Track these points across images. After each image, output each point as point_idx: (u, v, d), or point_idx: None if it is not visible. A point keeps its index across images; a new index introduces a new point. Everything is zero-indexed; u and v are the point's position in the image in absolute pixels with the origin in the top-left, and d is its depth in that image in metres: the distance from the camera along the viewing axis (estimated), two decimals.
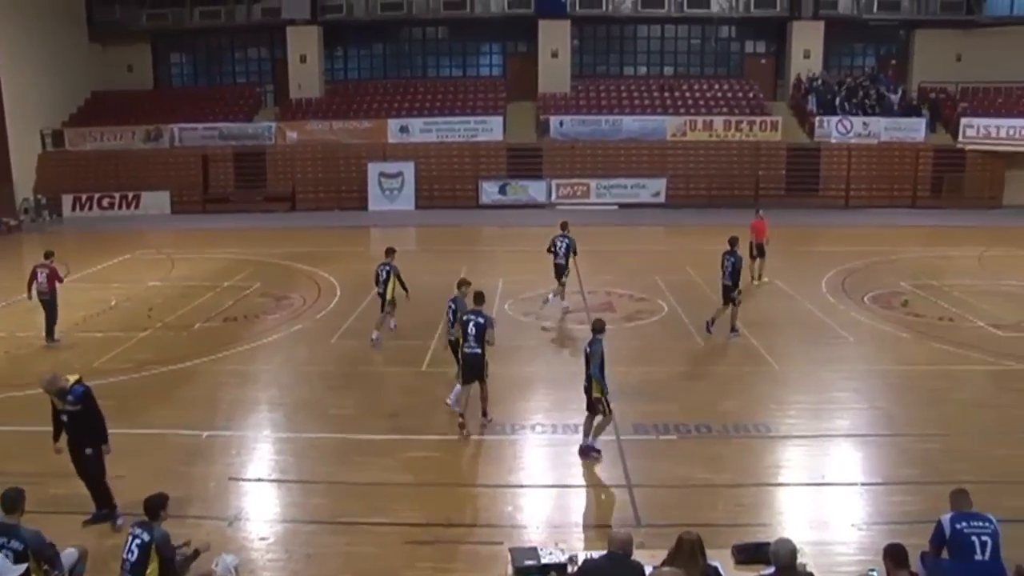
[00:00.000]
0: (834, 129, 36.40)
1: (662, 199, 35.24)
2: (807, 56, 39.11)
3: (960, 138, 36.21)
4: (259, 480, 11.06)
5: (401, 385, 14.47)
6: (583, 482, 10.90)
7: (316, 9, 38.28)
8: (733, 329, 17.01)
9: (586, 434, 11.51)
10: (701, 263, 23.35)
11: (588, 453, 11.43)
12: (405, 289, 16.57)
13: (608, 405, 11.28)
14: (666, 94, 38.75)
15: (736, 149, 36.16)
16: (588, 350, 11.33)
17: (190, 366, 15.55)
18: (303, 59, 38.59)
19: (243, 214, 34.00)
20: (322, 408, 13.42)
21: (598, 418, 11.39)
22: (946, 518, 7.42)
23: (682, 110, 37.51)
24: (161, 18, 39.28)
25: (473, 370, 12.29)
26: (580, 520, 10.04)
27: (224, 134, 36.35)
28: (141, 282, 22.50)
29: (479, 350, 12.27)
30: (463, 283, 13.92)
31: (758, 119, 36.63)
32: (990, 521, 7.33)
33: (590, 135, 36.12)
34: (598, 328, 11.43)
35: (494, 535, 9.53)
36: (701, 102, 38.32)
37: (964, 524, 7.30)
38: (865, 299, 20.25)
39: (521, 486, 10.80)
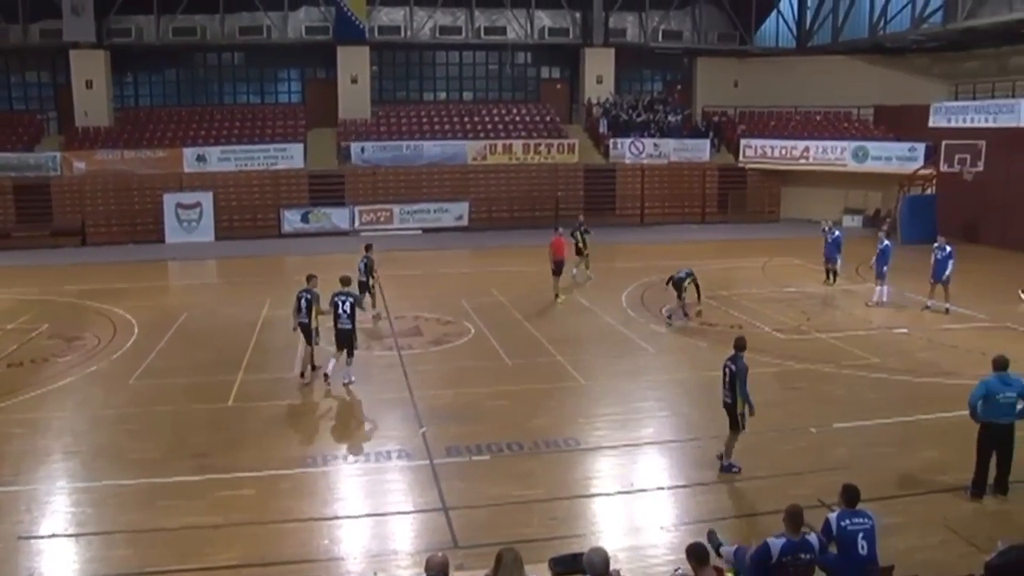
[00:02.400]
0: (627, 150, 38.15)
1: (465, 222, 35.69)
2: (600, 81, 40.88)
3: (741, 158, 38.89)
4: (54, 536, 10.25)
5: (207, 423, 13.86)
6: (399, 509, 10.83)
7: (102, 32, 36.22)
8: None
9: (727, 455, 11.70)
10: (505, 284, 23.86)
11: (730, 470, 11.59)
12: (321, 313, 15.79)
13: (745, 420, 11.48)
14: (466, 119, 39.36)
15: (536, 171, 37.17)
16: (732, 368, 11.47)
17: None
18: (89, 85, 36.43)
19: (27, 251, 31.56)
20: (122, 453, 12.64)
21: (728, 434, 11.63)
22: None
23: (482, 134, 38.21)
24: None
25: (345, 340, 15.18)
26: (398, 547, 9.96)
27: (1, 165, 33.69)
28: None
29: (350, 325, 15.15)
30: (311, 277, 15.82)
31: (555, 142, 37.84)
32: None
33: (392, 160, 36.12)
34: (740, 346, 11.66)
35: (311, 571, 9.31)
36: (500, 126, 39.17)
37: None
38: (663, 311, 21.27)
39: (336, 518, 10.60)
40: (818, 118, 40.35)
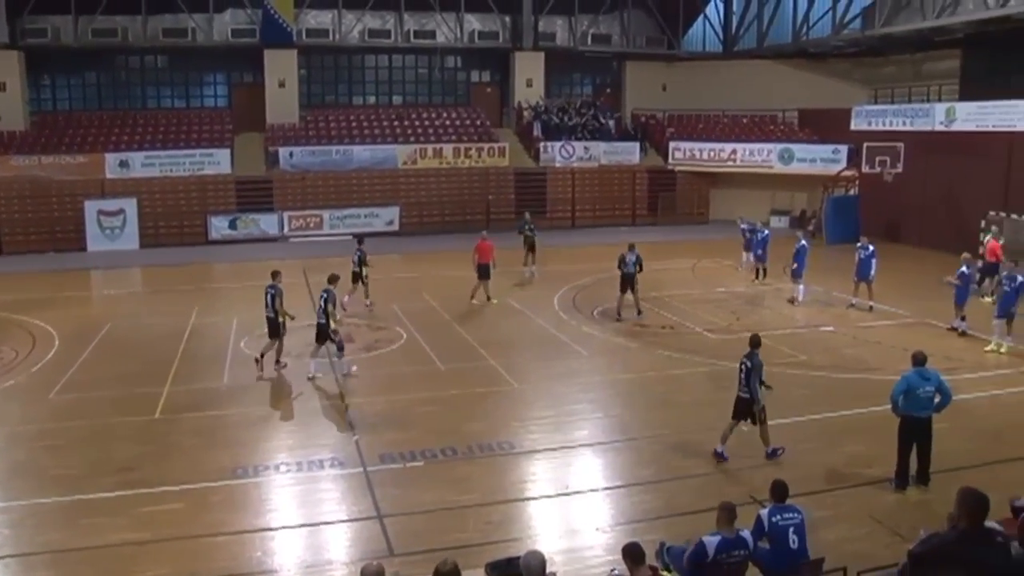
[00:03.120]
0: (558, 154, 38.36)
1: (396, 227, 35.47)
2: (530, 84, 41.03)
3: (670, 160, 39.42)
4: None
5: (133, 436, 13.47)
6: (333, 518, 10.69)
7: (16, 32, 35.13)
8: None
9: (766, 443, 12.23)
10: (437, 289, 23.78)
11: (775, 454, 12.16)
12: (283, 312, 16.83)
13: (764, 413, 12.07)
14: (396, 123, 39.15)
15: (466, 175, 37.14)
16: (748, 364, 11.92)
17: None
18: (2, 87, 35.32)
19: None
20: (41, 470, 12.22)
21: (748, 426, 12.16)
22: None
23: (412, 138, 38.08)
24: None
25: (320, 335, 16.27)
26: (332, 557, 9.84)
27: None
28: None
29: (324, 320, 16.11)
30: (276, 273, 16.97)
31: (486, 145, 37.86)
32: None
33: (321, 165, 35.74)
34: (756, 343, 12.18)
35: None
36: (431, 130, 39.06)
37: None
38: (595, 313, 21.44)
39: (269, 529, 10.42)
40: (745, 121, 41.14)
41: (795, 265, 22.48)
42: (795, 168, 36.80)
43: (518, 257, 26.20)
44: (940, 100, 33.42)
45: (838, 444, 12.69)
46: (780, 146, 37.45)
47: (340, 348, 16.47)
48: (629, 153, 39.29)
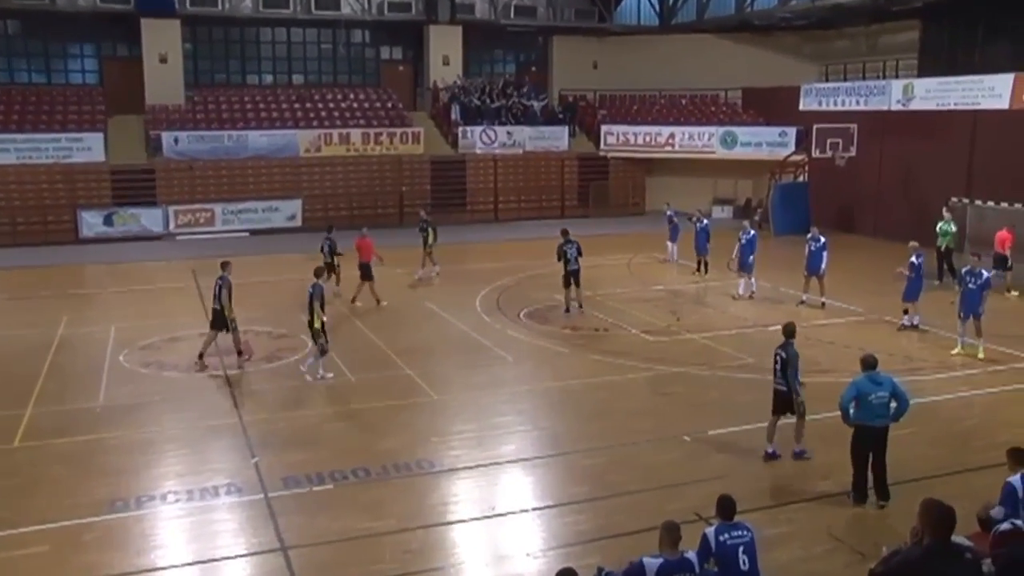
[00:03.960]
0: (478, 139, 38.41)
1: (298, 222, 35.11)
2: (446, 63, 40.99)
3: (602, 146, 39.82)
4: None
5: None
6: (230, 552, 10.46)
7: None
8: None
9: (798, 440, 12.68)
10: (346, 291, 23.54)
11: (802, 455, 12.68)
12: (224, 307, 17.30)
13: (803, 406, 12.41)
14: (296, 105, 38.71)
15: (377, 164, 36.96)
16: (783, 355, 12.36)
17: None
18: None
19: None
20: None
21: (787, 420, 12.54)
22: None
23: (315, 122, 37.71)
24: None
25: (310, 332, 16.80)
26: None
27: None
28: None
29: (309, 316, 16.48)
30: (225, 264, 17.71)
31: (398, 131, 37.70)
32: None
33: (211, 153, 35.13)
34: (790, 332, 12.64)
35: None
36: (336, 113, 38.73)
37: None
38: (521, 315, 21.48)
39: (154, 569, 10.13)
40: (683, 102, 41.78)
41: (741, 258, 22.97)
42: (739, 153, 37.51)
43: (441, 253, 26.15)
44: (897, 76, 34.39)
45: (790, 454, 12.91)
46: (722, 129, 38.13)
47: (323, 352, 16.65)
48: (557, 138, 39.57)
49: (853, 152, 30.37)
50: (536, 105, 40.74)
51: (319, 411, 15.12)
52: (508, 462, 12.96)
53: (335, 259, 23.19)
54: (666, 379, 16.67)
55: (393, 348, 18.58)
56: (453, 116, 39.24)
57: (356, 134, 37.01)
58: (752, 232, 23.19)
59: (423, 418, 14.79)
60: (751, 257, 22.92)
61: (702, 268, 25.67)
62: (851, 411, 11.09)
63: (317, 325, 16.41)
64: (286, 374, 17.22)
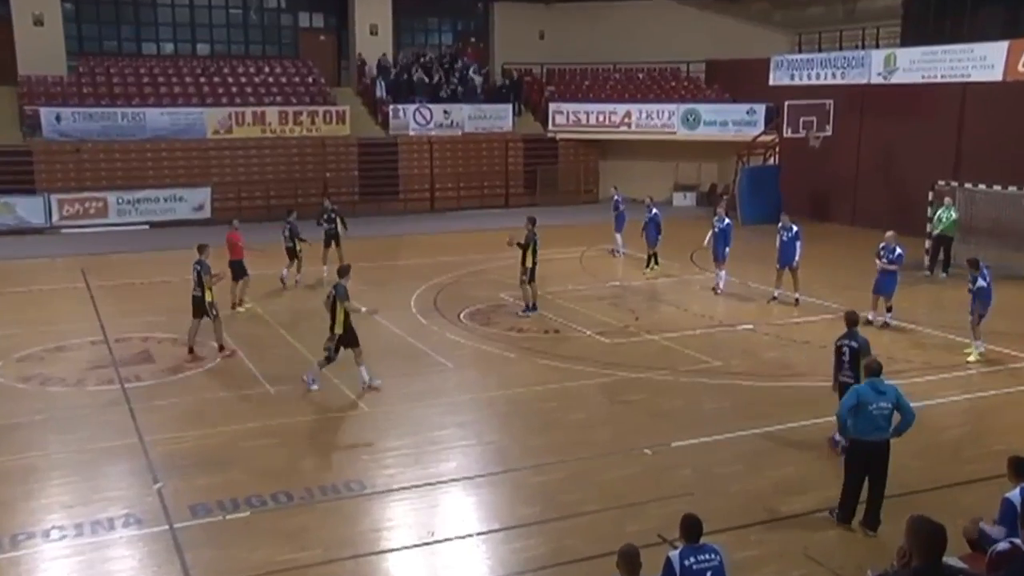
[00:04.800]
0: (411, 119, 38.35)
1: (207, 214, 34.79)
2: (374, 32, 40.89)
3: (550, 126, 40.00)
4: None
5: None
6: None
7: None
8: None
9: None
10: (263, 291, 23.38)
11: (836, 445, 13.06)
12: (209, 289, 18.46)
13: None
14: (202, 79, 38.28)
15: (297, 147, 36.79)
16: (853, 345, 12.96)
17: None
18: None
19: None
20: None
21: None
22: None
23: (225, 99, 37.36)
24: None
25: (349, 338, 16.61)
26: None
27: None
28: None
29: (331, 322, 16.45)
30: (202, 247, 18.92)
31: (321, 109, 37.50)
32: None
33: (103, 133, 34.67)
34: (854, 320, 13.38)
35: None
36: (249, 89, 38.40)
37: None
38: (462, 316, 21.48)
39: None
40: (641, 76, 42.10)
41: (715, 248, 23.19)
42: (703, 133, 37.90)
43: (368, 249, 26.06)
44: (878, 46, 34.92)
45: (763, 467, 13.04)
46: (684, 107, 38.49)
47: (328, 360, 16.68)
48: (500, 118, 39.68)
49: (829, 131, 30.74)
50: (476, 80, 40.77)
51: (232, 428, 14.93)
52: (449, 481, 12.94)
53: (297, 244, 24.45)
54: (624, 385, 16.75)
55: (317, 355, 18.41)
56: (382, 93, 39.09)
57: (272, 113, 36.75)
58: (727, 221, 23.39)
59: (352, 433, 14.76)
60: (726, 249, 23.15)
61: (652, 262, 25.86)
62: (850, 422, 10.91)
63: (338, 330, 16.39)
64: (195, 386, 17.02)
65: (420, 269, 26.58)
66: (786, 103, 32.00)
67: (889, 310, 20.22)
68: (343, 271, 17.06)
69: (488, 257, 27.58)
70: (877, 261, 20.06)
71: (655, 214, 26.01)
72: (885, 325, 20.17)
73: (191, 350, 18.71)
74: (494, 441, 14.38)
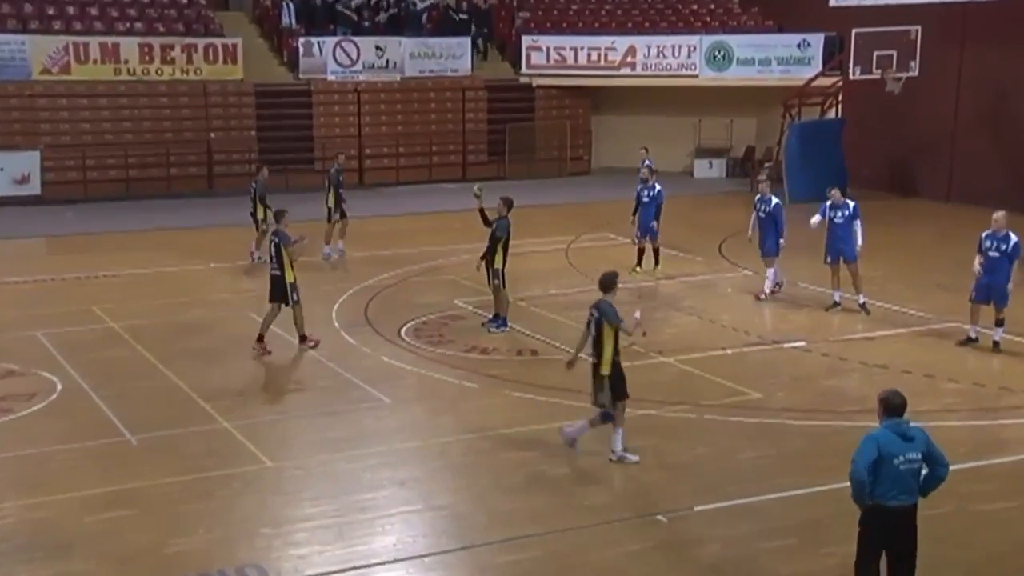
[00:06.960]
0: (330, 58, 38.20)
1: (36, 189, 34.63)
2: None
3: (524, 68, 39.91)
4: None
5: None
6: None
7: None
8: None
9: None
10: (120, 298, 23.28)
11: None
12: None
13: None
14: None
15: (167, 95, 36.76)
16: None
17: None
18: None
19: None
20: None
21: None
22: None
23: (59, 24, 36.97)
24: None
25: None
26: None
27: None
28: None
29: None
30: (279, 214, 20.81)
31: (201, 42, 37.33)
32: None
33: None
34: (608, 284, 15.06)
35: None
36: (94, 10, 38.04)
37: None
38: (403, 333, 21.46)
39: None
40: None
41: (770, 237, 23.23)
42: (736, 76, 37.92)
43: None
44: None
45: (822, 542, 13.02)
46: (710, 39, 38.52)
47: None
48: (454, 57, 39.67)
49: (915, 70, 30.74)
50: (421, 5, 40.73)
51: (75, 495, 14.78)
52: (385, 563, 12.90)
53: (258, 208, 27.07)
54: (628, 427, 16.71)
55: (201, 390, 18.38)
56: (284, 20, 38.96)
57: (129, 45, 36.57)
58: (775, 201, 23.32)
59: (248, 498, 14.65)
60: (779, 240, 23.20)
61: (653, 258, 25.92)
62: (868, 484, 10.23)
63: (291, 279, 19.92)
64: (20, 435, 16.86)
65: (344, 267, 26.55)
66: (854, 32, 32.01)
67: (1000, 323, 20.15)
68: (279, 215, 20.25)
69: (439, 250, 27.56)
70: (979, 256, 19.92)
71: (657, 191, 25.75)
72: (995, 345, 20.11)
73: (260, 339, 20.36)
74: (447, 506, 14.35)
